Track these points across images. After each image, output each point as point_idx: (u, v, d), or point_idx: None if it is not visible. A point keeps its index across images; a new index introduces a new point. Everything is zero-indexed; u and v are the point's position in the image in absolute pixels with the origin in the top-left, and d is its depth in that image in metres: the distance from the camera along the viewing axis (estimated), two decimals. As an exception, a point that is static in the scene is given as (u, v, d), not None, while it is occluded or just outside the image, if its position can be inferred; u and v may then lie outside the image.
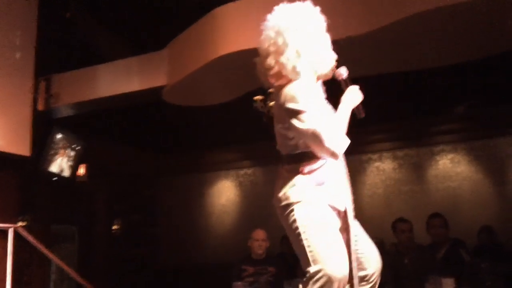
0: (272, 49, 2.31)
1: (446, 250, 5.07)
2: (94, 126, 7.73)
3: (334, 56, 2.40)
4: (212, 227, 9.59)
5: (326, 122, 2.17)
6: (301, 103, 2.18)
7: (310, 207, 2.22)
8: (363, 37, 4.69)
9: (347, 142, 2.23)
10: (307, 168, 2.26)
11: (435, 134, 8.17)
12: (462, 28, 4.90)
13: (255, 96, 6.50)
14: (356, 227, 2.42)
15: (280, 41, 2.29)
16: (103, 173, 8.50)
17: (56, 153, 7.19)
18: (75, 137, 7.44)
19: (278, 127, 2.35)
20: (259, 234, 5.37)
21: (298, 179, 2.26)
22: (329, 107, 2.43)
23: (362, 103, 2.38)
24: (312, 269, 2.15)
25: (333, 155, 2.19)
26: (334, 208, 2.31)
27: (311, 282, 2.14)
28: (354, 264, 2.29)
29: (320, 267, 2.13)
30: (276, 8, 2.41)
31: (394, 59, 5.39)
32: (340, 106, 2.35)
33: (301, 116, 2.17)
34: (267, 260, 5.34)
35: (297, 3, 2.41)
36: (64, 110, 6.82)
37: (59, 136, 7.15)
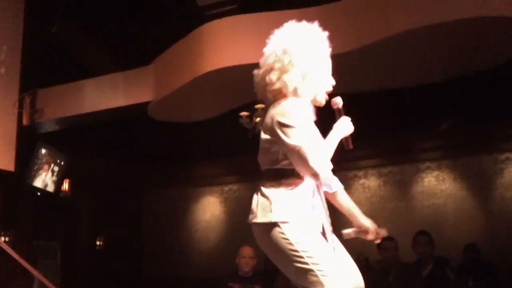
0: (277, 66, 2.30)
1: (431, 268, 5.05)
2: (78, 140, 7.67)
3: (333, 83, 2.40)
4: (196, 243, 9.54)
5: (314, 143, 2.18)
6: (293, 119, 2.17)
7: (298, 227, 2.16)
8: (349, 54, 4.72)
9: (330, 166, 2.22)
10: (287, 184, 2.23)
11: (420, 151, 8.23)
12: (447, 47, 4.97)
13: (241, 111, 6.52)
14: (335, 244, 2.38)
15: (286, 60, 2.28)
16: (87, 188, 8.44)
17: (40, 168, 7.14)
18: (60, 152, 7.39)
19: (263, 140, 2.31)
20: (247, 251, 5.31)
21: (277, 196, 2.22)
22: (317, 131, 2.41)
23: (352, 135, 2.37)
24: None
25: (315, 175, 2.17)
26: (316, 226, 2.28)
27: None
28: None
29: None
30: (286, 25, 2.39)
31: (380, 76, 5.44)
32: (330, 133, 2.34)
33: (291, 131, 2.15)
34: (254, 277, 5.28)
35: (306, 24, 2.39)
36: (48, 125, 6.77)
37: (43, 151, 7.10)
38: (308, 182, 2.26)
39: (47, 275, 7.13)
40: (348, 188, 8.50)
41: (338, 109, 2.42)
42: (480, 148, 7.82)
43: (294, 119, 2.17)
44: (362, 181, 8.50)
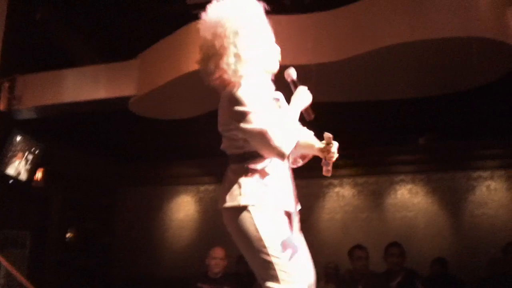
0: (210, 52, 2.20)
1: (400, 280, 5.12)
2: (55, 130, 7.58)
3: (277, 50, 2.32)
4: (168, 242, 9.49)
5: (274, 122, 2.10)
6: (247, 105, 2.09)
7: (267, 212, 2.12)
8: (333, 65, 4.78)
9: (294, 142, 2.14)
10: (253, 167, 2.17)
11: (395, 163, 8.32)
12: (430, 64, 5.06)
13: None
14: (299, 235, 2.32)
15: (217, 44, 2.17)
16: (60, 179, 8.34)
17: (14, 156, 7.03)
18: (35, 141, 7.29)
19: (221, 129, 2.25)
20: (218, 252, 5.31)
21: (245, 180, 2.16)
22: (281, 102, 2.34)
23: (311, 105, 2.30)
24: (277, 287, 2.06)
25: (280, 155, 2.10)
26: (285, 211, 2.21)
27: None
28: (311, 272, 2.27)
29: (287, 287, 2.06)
30: (210, 6, 2.24)
31: (361, 88, 5.50)
32: (289, 107, 2.27)
33: (248, 117, 2.08)
34: (223, 279, 5.29)
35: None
36: (26, 112, 6.67)
37: (18, 138, 6.99)
38: (275, 163, 2.21)
39: (15, 264, 7.03)
40: (322, 195, 8.59)
41: (293, 81, 2.36)
42: (454, 164, 7.95)
43: (248, 105, 2.09)
44: (337, 189, 8.56)
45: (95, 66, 6.34)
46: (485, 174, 7.82)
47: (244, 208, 2.12)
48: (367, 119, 6.96)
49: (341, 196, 8.50)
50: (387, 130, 7.29)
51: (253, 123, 2.07)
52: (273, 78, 2.36)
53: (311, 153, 2.41)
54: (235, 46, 2.17)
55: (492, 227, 7.45)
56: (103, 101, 6.16)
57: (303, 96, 2.29)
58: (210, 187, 9.44)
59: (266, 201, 2.13)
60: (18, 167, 7.17)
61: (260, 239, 2.08)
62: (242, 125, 2.10)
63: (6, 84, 6.43)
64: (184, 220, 9.49)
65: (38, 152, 7.39)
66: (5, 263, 6.12)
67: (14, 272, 6.18)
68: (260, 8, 2.27)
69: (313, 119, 2.31)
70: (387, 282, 5.13)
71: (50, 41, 6.63)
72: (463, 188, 7.88)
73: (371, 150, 8.10)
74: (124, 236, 9.66)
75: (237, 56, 2.16)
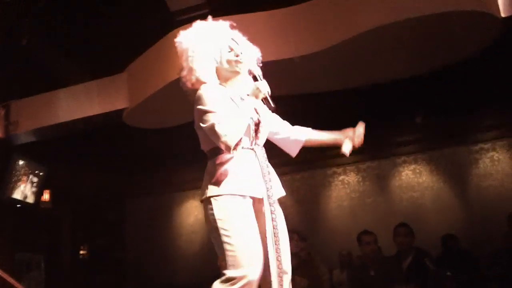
0: (184, 64, 2.60)
1: (411, 260, 5.13)
2: (56, 150, 7.62)
3: (233, 54, 2.60)
4: (181, 248, 9.50)
5: (222, 118, 2.34)
6: (205, 104, 2.39)
7: (226, 202, 2.35)
8: (317, 54, 4.78)
9: (239, 136, 2.35)
10: (218, 161, 2.42)
11: (396, 145, 8.31)
12: (415, 42, 5.06)
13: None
14: (281, 221, 2.49)
15: (181, 62, 2.61)
16: (68, 197, 8.39)
17: (18, 180, 7.09)
18: (37, 163, 7.34)
19: (196, 127, 2.51)
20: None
21: (213, 173, 2.41)
22: (246, 100, 2.55)
23: (271, 96, 2.49)
24: (231, 273, 2.24)
25: (227, 148, 2.33)
26: (251, 198, 2.42)
27: (227, 284, 2.24)
28: (273, 260, 2.37)
29: (239, 274, 2.23)
30: (182, 32, 2.69)
31: (350, 75, 5.51)
32: (244, 102, 2.52)
33: (205, 116, 2.37)
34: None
35: (198, 22, 2.72)
36: (24, 136, 6.73)
37: (20, 162, 7.05)
38: (242, 154, 2.44)
39: (32, 287, 7.11)
40: (328, 185, 8.59)
41: (254, 77, 2.59)
42: (454, 140, 7.92)
43: (206, 104, 2.39)
44: (341, 177, 8.56)
45: (86, 84, 6.39)
46: (487, 145, 7.79)
47: (208, 200, 2.38)
48: (362, 105, 6.95)
49: (346, 183, 8.50)
50: (383, 113, 7.27)
51: (207, 120, 2.36)
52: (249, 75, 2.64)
53: (335, 141, 2.79)
54: (193, 58, 2.56)
55: (499, 197, 7.42)
56: (98, 117, 6.21)
57: (258, 89, 2.50)
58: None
59: (227, 191, 2.36)
60: (24, 191, 7.23)
61: (217, 228, 2.33)
62: (201, 122, 2.39)
63: (2, 111, 6.49)
64: (195, 224, 9.51)
65: (42, 174, 7.44)
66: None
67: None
68: (222, 25, 2.70)
69: (275, 110, 2.56)
70: (399, 264, 5.14)
71: (39, 65, 6.67)
72: (466, 162, 7.85)
73: (371, 134, 8.05)
74: (136, 248, 9.68)
75: (195, 64, 2.55)
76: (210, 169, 2.45)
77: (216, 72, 2.58)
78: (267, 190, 2.44)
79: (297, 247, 5.10)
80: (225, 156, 2.41)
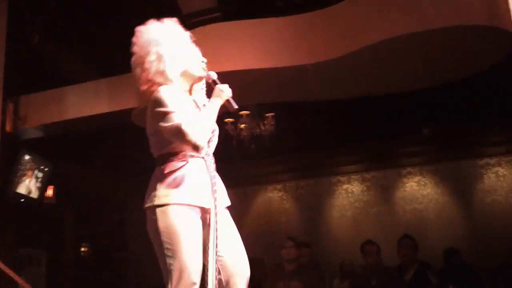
0: (137, 61, 2.46)
1: (414, 273, 5.11)
2: (63, 147, 7.64)
3: (200, 59, 2.55)
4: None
5: (188, 119, 2.28)
6: (166, 105, 2.28)
7: (173, 213, 2.25)
8: (330, 62, 4.79)
9: (207, 135, 2.36)
10: (168, 169, 2.32)
11: (402, 156, 8.31)
12: (428, 55, 5.05)
13: (225, 118, 6.56)
14: (228, 230, 2.44)
15: (142, 52, 2.45)
16: (70, 195, 8.40)
17: (23, 175, 7.10)
18: (43, 159, 7.36)
19: (148, 132, 2.43)
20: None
21: (160, 180, 2.31)
22: (201, 104, 2.55)
23: (233, 97, 2.50)
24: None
25: (196, 147, 2.29)
26: (197, 207, 2.33)
27: None
28: (212, 270, 2.32)
29: None
30: (138, 30, 2.55)
31: (361, 84, 5.51)
32: (207, 104, 2.49)
33: (167, 116, 2.27)
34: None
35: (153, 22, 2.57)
36: (32, 131, 6.75)
37: (26, 157, 7.06)
38: (192, 164, 2.36)
39: (32, 282, 7.10)
40: (331, 193, 8.59)
41: (213, 81, 2.56)
42: (460, 153, 7.93)
43: (167, 105, 2.28)
44: (345, 186, 8.56)
45: (95, 81, 6.40)
46: (492, 161, 7.80)
47: (153, 209, 2.27)
48: (370, 114, 6.96)
49: (350, 192, 8.50)
50: (391, 123, 7.28)
51: (170, 120, 2.26)
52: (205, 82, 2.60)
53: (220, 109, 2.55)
54: (157, 49, 2.43)
55: (503, 213, 7.42)
56: (106, 115, 6.22)
57: (220, 92, 2.48)
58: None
59: (175, 201, 2.26)
60: (28, 186, 7.24)
61: (160, 241, 2.26)
62: (162, 123, 2.28)
63: (11, 106, 6.51)
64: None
65: (47, 170, 7.45)
66: (22, 282, 6.18)
67: (31, 290, 6.24)
68: (177, 30, 2.56)
69: (237, 112, 2.57)
70: (401, 276, 5.13)
71: (49, 61, 6.70)
72: (472, 176, 7.85)
73: (377, 144, 8.09)
74: (138, 248, 9.67)
75: (158, 56, 2.42)
76: (158, 175, 2.33)
77: (181, 75, 2.48)
78: (215, 200, 2.37)
79: (291, 254, 5.11)
80: (176, 163, 2.32)
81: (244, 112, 6.58)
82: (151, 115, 2.35)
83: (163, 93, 2.31)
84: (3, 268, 5.91)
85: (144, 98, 2.46)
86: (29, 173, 7.21)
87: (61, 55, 6.83)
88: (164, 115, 2.27)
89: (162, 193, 2.27)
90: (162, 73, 2.39)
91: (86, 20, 6.51)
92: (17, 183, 6.96)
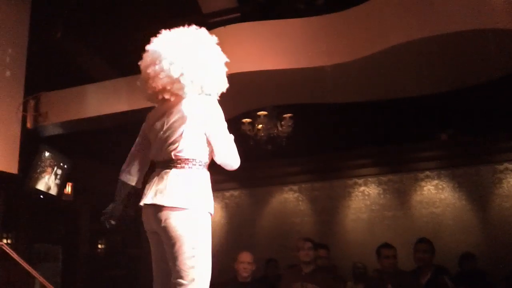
0: (155, 61, 2.49)
1: (430, 277, 5.09)
2: (82, 144, 7.71)
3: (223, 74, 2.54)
4: (196, 249, 9.52)
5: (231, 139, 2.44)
6: (223, 117, 2.41)
7: (209, 222, 2.40)
8: (349, 64, 4.79)
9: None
10: (202, 174, 2.40)
11: (419, 160, 8.24)
12: (445, 59, 5.03)
13: (243, 118, 6.58)
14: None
15: (164, 55, 2.46)
16: (88, 193, 8.47)
17: (43, 171, 7.18)
18: (63, 156, 7.43)
19: (187, 132, 2.39)
20: (245, 257, 5.33)
21: (196, 184, 2.37)
22: None
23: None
24: (191, 286, 2.31)
25: (236, 165, 2.46)
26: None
27: None
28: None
29: None
30: (164, 34, 2.58)
31: (379, 86, 5.50)
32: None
33: (225, 128, 2.40)
34: (252, 283, 5.32)
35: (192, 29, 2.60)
36: (52, 128, 6.83)
37: (47, 154, 7.14)
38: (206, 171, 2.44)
39: (49, 277, 7.16)
40: (348, 195, 8.56)
41: None
42: (478, 158, 7.86)
43: (223, 117, 2.42)
44: (362, 188, 8.52)
45: (115, 80, 6.46)
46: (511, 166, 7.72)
47: (185, 210, 2.34)
48: (388, 118, 6.94)
49: (367, 195, 8.46)
50: (409, 127, 7.25)
51: (227, 134, 2.39)
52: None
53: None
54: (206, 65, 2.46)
55: (522, 219, 7.35)
56: (125, 114, 6.27)
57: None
58: (236, 193, 9.48)
59: (207, 209, 2.39)
60: (48, 182, 7.31)
61: (193, 240, 2.34)
62: (221, 132, 2.38)
63: (32, 102, 6.59)
64: (211, 226, 9.53)
65: (66, 167, 7.53)
66: (39, 277, 6.24)
67: (49, 286, 6.30)
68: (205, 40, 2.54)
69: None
70: (417, 280, 5.10)
71: (71, 59, 6.77)
72: (490, 181, 7.77)
73: (394, 148, 8.06)
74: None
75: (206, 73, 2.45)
76: (193, 179, 2.38)
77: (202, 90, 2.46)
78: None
79: (310, 255, 5.08)
80: (206, 171, 2.44)
81: (262, 112, 6.60)
82: (204, 116, 2.36)
83: (216, 103, 2.42)
84: (21, 263, 6.00)
85: (152, 97, 2.57)
86: (49, 169, 7.28)
87: (82, 53, 6.90)
88: (223, 125, 2.39)
89: (209, 201, 2.40)
90: (184, 91, 2.41)
91: (107, 19, 6.56)
92: (36, 179, 7.04)
